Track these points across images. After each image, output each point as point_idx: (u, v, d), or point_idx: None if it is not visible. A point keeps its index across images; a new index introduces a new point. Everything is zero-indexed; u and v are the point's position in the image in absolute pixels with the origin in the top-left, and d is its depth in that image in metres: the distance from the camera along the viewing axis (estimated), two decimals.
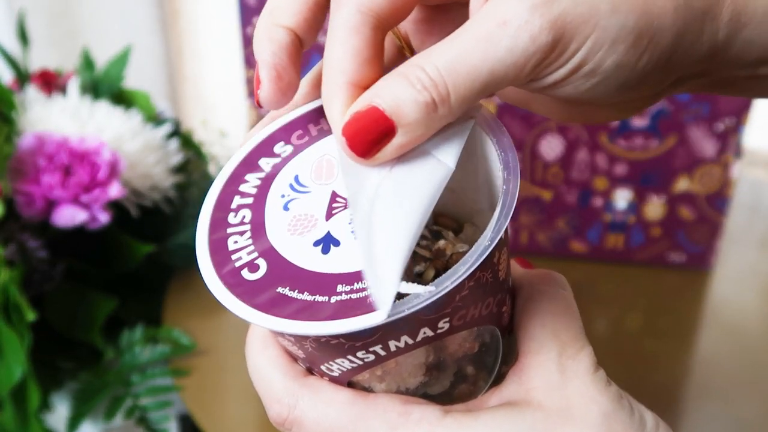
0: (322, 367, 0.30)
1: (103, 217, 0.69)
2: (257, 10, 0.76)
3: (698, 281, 0.81)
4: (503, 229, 0.28)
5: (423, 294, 0.26)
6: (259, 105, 0.32)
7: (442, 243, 0.33)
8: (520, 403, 0.30)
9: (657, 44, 0.29)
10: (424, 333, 0.28)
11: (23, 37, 0.82)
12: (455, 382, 0.33)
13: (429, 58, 0.28)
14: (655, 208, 0.79)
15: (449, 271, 0.27)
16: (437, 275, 0.32)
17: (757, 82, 0.34)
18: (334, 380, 0.31)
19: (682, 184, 0.77)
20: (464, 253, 0.33)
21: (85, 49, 0.85)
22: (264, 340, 0.32)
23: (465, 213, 0.36)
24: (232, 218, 0.31)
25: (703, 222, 0.79)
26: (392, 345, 0.29)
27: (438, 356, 0.31)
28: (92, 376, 0.68)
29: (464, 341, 0.32)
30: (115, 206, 0.74)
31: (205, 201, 0.32)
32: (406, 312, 0.26)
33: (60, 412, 0.71)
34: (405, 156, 0.29)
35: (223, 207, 0.32)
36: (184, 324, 0.74)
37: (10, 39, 1.01)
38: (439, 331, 0.29)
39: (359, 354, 0.29)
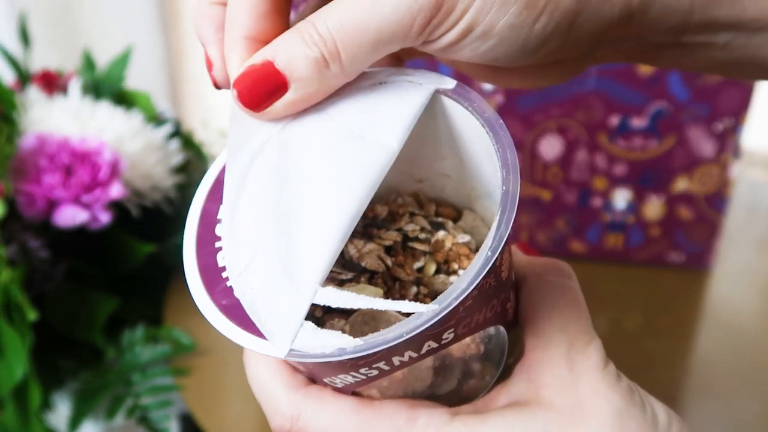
0: (325, 380, 0.30)
1: (104, 217, 0.69)
2: None
3: (697, 281, 0.81)
4: (505, 237, 0.27)
5: (426, 313, 0.26)
6: (216, 86, 0.31)
7: (441, 234, 0.33)
8: (530, 403, 0.29)
9: (556, 6, 0.28)
10: (429, 346, 0.28)
11: (24, 37, 0.82)
12: (462, 379, 0.32)
13: (320, 15, 0.28)
14: (654, 208, 0.80)
15: (451, 287, 0.27)
16: (438, 270, 0.32)
17: (684, 51, 0.33)
18: (337, 390, 0.30)
19: (681, 184, 0.78)
20: (466, 245, 0.33)
21: (86, 49, 0.86)
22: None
23: (463, 199, 0.35)
24: (219, 229, 0.30)
25: (702, 222, 0.79)
26: (396, 360, 0.28)
27: (444, 360, 0.31)
28: (93, 376, 0.69)
29: (470, 344, 0.31)
30: (116, 206, 0.74)
31: (189, 214, 0.31)
32: (405, 337, 0.25)
33: (61, 411, 0.71)
34: (321, 130, 0.28)
35: (208, 219, 0.31)
36: (185, 324, 0.74)
37: (12, 39, 1.01)
38: (443, 342, 0.28)
39: (362, 370, 0.28)
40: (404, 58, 0.36)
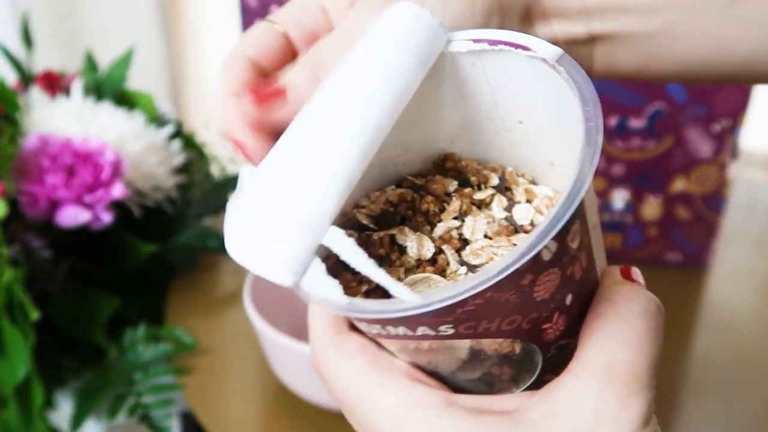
0: (354, 322, 0.31)
1: (106, 217, 0.69)
2: (258, 11, 0.77)
3: (695, 281, 0.81)
4: (526, 258, 0.25)
5: (408, 303, 0.26)
6: (253, 161, 0.32)
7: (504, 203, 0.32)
8: (534, 424, 0.27)
9: None
10: (424, 331, 0.28)
11: (27, 38, 0.83)
12: (490, 377, 0.31)
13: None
14: (652, 208, 0.80)
15: (441, 288, 0.27)
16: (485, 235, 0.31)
17: (604, 48, 0.36)
18: (363, 334, 0.31)
19: (678, 185, 0.78)
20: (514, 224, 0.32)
21: (89, 50, 0.86)
22: None
23: (538, 163, 0.34)
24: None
25: (700, 222, 0.80)
26: (391, 329, 0.28)
27: (475, 351, 0.30)
28: (95, 375, 0.69)
29: (502, 343, 0.29)
30: (117, 206, 0.75)
31: None
32: (386, 315, 0.26)
33: (63, 410, 0.71)
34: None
35: None
36: (186, 323, 0.74)
37: (14, 41, 1.02)
38: (441, 333, 0.28)
39: (363, 326, 0.30)
40: None
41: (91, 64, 0.84)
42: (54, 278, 0.69)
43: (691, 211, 0.79)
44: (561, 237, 0.26)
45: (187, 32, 1.29)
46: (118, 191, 0.69)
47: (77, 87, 0.78)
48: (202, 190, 0.88)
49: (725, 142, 0.75)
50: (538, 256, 0.25)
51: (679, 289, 0.80)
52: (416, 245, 0.31)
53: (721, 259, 0.86)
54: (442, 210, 0.33)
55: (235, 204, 0.28)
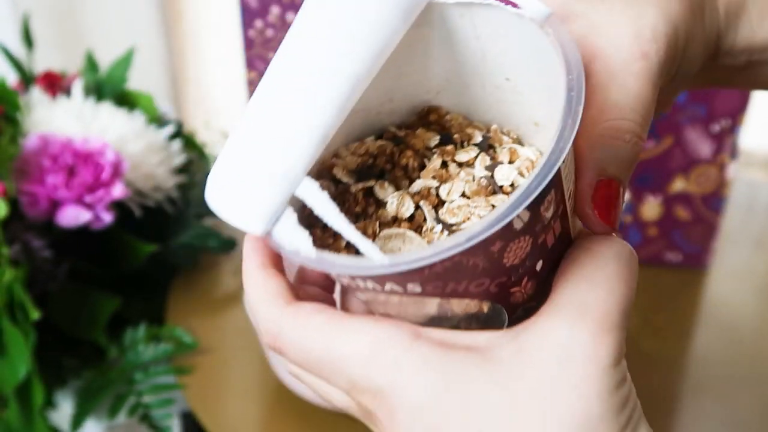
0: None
1: (107, 217, 0.70)
2: (258, 12, 0.77)
3: (694, 280, 0.81)
4: (496, 228, 0.25)
5: (374, 261, 0.26)
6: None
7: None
8: (504, 363, 0.26)
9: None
10: (392, 288, 0.28)
11: (28, 39, 0.83)
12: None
13: None
14: (651, 208, 0.80)
15: (407, 252, 0.28)
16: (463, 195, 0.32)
17: (754, 70, 0.38)
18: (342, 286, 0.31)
19: (678, 185, 0.78)
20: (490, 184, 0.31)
21: (89, 51, 0.86)
22: (251, 269, 0.32)
23: (523, 122, 0.34)
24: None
25: (699, 222, 0.80)
26: (360, 282, 0.29)
27: (443, 309, 0.29)
28: (96, 374, 0.69)
29: (469, 302, 0.29)
30: (118, 206, 0.75)
31: None
32: (334, 271, 0.27)
33: (64, 409, 0.71)
34: None
35: None
36: (187, 323, 0.74)
37: (15, 41, 1.02)
38: (408, 291, 0.28)
39: (339, 277, 0.30)
40: None
41: (91, 64, 0.84)
42: (54, 278, 0.69)
43: (690, 211, 0.79)
44: (534, 206, 0.27)
45: (187, 32, 1.29)
46: (118, 191, 0.70)
47: (78, 87, 0.78)
48: (202, 190, 0.88)
49: (725, 142, 0.75)
50: (509, 224, 0.25)
51: (679, 289, 0.80)
52: (396, 203, 0.31)
53: (721, 259, 0.86)
54: (422, 166, 0.33)
55: (218, 159, 0.29)
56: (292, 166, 0.27)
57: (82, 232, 0.73)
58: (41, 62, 0.90)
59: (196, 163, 0.89)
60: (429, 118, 0.35)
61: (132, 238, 0.74)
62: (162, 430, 0.66)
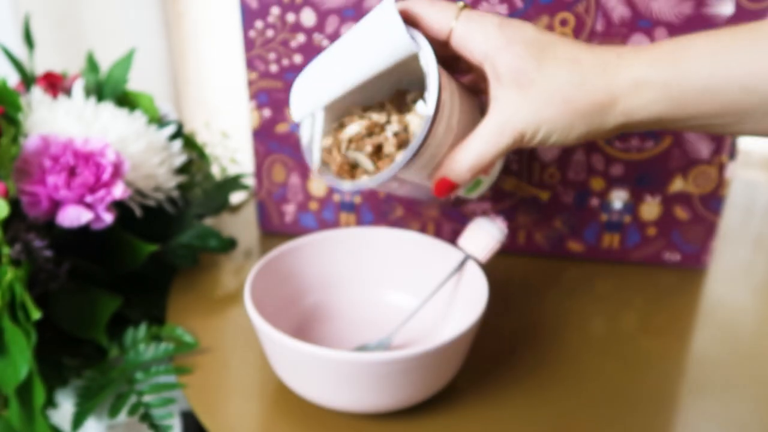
0: None
1: (108, 217, 0.70)
2: (259, 13, 0.77)
3: (693, 280, 0.82)
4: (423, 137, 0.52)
5: (358, 185, 0.56)
6: None
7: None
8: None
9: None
10: (391, 183, 0.56)
11: (29, 40, 0.83)
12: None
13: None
14: (650, 208, 0.80)
15: (376, 176, 0.55)
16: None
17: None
18: None
19: (677, 185, 0.78)
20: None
21: (90, 51, 0.86)
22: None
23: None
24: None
25: (698, 222, 0.80)
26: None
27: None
28: (97, 374, 0.69)
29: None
30: (119, 206, 0.75)
31: None
32: (344, 189, 0.57)
33: (65, 409, 0.71)
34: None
35: None
36: (188, 322, 0.74)
37: (16, 41, 1.02)
38: (396, 185, 0.56)
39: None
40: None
41: (92, 65, 0.84)
42: (55, 278, 0.70)
43: (689, 211, 0.80)
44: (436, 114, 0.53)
45: (187, 33, 1.29)
46: (119, 191, 0.70)
47: (78, 88, 0.78)
48: (202, 190, 0.89)
49: (723, 143, 0.75)
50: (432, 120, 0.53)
51: (678, 289, 0.80)
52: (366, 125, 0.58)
53: (720, 259, 0.86)
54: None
55: (299, 76, 0.57)
56: (321, 93, 0.55)
57: (83, 232, 0.73)
58: (42, 63, 0.90)
59: (196, 163, 0.89)
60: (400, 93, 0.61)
61: (133, 238, 0.74)
62: (162, 429, 0.66)
